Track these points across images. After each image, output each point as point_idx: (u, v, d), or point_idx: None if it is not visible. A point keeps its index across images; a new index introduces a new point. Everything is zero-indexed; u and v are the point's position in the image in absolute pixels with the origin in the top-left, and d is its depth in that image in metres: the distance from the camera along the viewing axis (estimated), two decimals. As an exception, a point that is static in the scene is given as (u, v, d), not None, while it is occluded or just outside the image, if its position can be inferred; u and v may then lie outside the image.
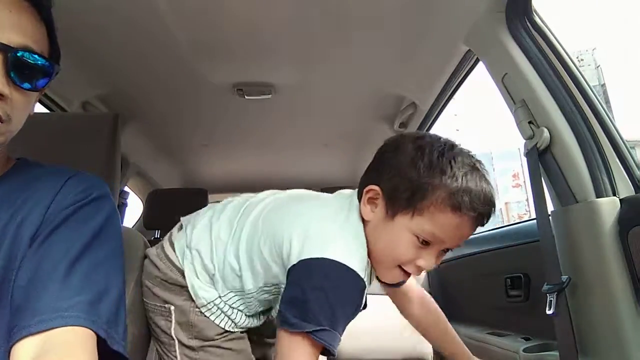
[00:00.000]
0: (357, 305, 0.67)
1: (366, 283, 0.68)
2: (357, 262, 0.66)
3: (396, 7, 1.04)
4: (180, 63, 1.26)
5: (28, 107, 0.54)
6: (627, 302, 0.73)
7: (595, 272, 0.78)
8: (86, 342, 0.48)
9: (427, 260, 0.68)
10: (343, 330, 0.65)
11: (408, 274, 0.71)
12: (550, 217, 0.86)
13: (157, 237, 2.15)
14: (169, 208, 1.87)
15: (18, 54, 0.48)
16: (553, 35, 0.91)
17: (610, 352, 0.75)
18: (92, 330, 0.48)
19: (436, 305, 0.97)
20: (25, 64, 0.50)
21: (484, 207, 0.66)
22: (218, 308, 0.79)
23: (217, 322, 0.79)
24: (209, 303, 0.78)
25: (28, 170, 0.60)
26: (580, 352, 0.78)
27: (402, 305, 0.97)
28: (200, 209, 0.94)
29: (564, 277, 0.81)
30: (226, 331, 0.81)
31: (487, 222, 0.70)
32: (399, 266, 0.70)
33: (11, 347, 0.46)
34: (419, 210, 0.66)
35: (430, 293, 1.73)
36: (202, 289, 0.78)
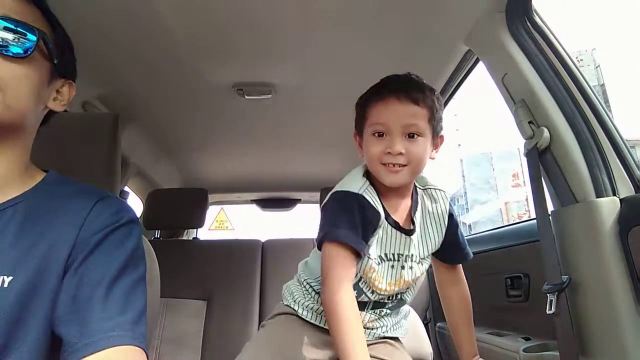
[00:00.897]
0: (356, 211, 0.83)
1: (369, 198, 0.85)
2: (353, 186, 0.86)
3: (396, 7, 1.04)
4: (180, 63, 1.26)
5: (24, 78, 0.54)
6: (627, 302, 0.74)
7: (595, 272, 0.78)
8: (138, 358, 0.50)
9: (392, 145, 0.83)
10: (356, 233, 0.81)
11: (391, 165, 0.84)
12: (550, 217, 0.86)
13: (157, 237, 2.15)
14: (169, 208, 1.87)
15: None
16: (553, 35, 0.91)
17: (610, 352, 0.75)
18: (140, 348, 0.51)
19: (469, 301, 0.97)
20: (5, 27, 0.51)
21: (390, 84, 0.87)
22: None
23: None
24: None
25: (56, 186, 0.61)
26: (580, 352, 0.78)
27: (445, 283, 1.00)
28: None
29: (564, 277, 0.81)
30: None
31: (403, 95, 0.84)
32: (382, 164, 0.85)
33: None
34: (366, 117, 0.88)
35: (430, 293, 1.72)
36: None
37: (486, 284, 1.30)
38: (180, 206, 1.86)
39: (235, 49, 1.21)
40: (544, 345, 0.98)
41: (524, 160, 0.93)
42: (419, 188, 0.95)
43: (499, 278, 1.21)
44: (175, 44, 1.15)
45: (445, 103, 1.49)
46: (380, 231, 0.86)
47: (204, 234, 2.51)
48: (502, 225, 1.41)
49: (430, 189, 0.95)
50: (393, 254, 0.89)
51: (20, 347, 0.49)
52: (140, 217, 2.00)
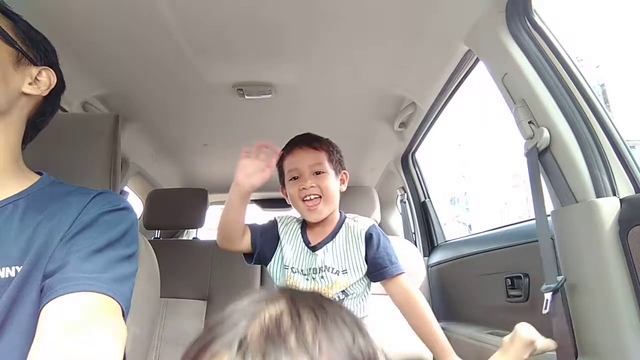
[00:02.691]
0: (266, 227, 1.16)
1: (286, 226, 1.17)
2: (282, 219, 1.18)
3: (396, 7, 1.04)
4: (180, 63, 1.26)
5: None
6: (626, 302, 0.73)
7: (595, 272, 0.78)
8: (113, 309, 0.51)
9: (304, 182, 1.08)
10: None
11: (308, 200, 1.09)
12: (549, 217, 0.86)
13: (157, 237, 2.15)
14: (169, 208, 1.87)
15: None
16: (553, 35, 0.91)
17: (609, 352, 0.75)
18: (117, 302, 0.52)
19: (421, 308, 1.02)
20: None
21: (294, 141, 1.14)
22: None
23: None
24: None
25: (54, 186, 0.64)
26: (579, 352, 0.78)
27: (392, 297, 1.09)
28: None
29: (559, 277, 0.81)
30: None
31: (304, 145, 1.11)
32: (302, 201, 1.09)
33: (40, 312, 0.49)
34: (284, 170, 1.14)
35: (430, 293, 1.72)
36: None
37: (486, 284, 1.30)
38: (180, 206, 1.85)
39: (235, 49, 1.21)
40: (544, 345, 0.98)
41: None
42: (348, 217, 1.16)
43: (499, 278, 1.21)
44: (176, 44, 1.15)
45: (446, 103, 1.49)
46: (289, 248, 1.11)
47: (204, 233, 2.50)
48: (502, 225, 1.41)
49: (356, 217, 1.17)
50: (304, 268, 1.10)
51: (15, 323, 0.51)
52: (140, 217, 2.00)
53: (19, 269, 0.52)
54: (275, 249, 1.14)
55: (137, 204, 2.30)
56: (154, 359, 1.53)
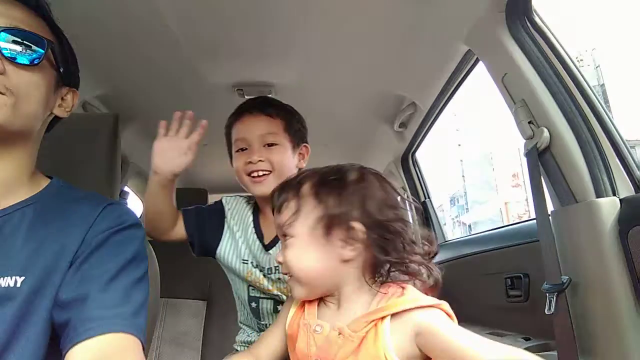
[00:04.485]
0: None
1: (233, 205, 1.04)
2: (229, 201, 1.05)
3: (396, 7, 1.04)
4: (180, 63, 1.26)
5: (33, 85, 0.57)
6: (627, 302, 0.73)
7: (595, 272, 0.78)
8: (135, 347, 0.52)
9: (251, 155, 0.93)
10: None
11: (255, 175, 0.93)
12: (550, 217, 0.86)
13: (157, 237, 2.15)
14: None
15: (6, 31, 0.54)
16: (553, 35, 0.91)
17: (610, 352, 0.75)
18: (137, 338, 0.52)
19: None
20: (14, 40, 0.54)
21: (245, 105, 0.98)
22: None
23: None
24: None
25: (62, 192, 0.64)
26: (580, 352, 0.78)
27: None
28: None
29: (564, 278, 0.81)
30: None
31: (256, 111, 0.96)
32: (248, 175, 0.94)
33: (65, 355, 0.50)
34: (231, 140, 0.99)
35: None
36: None
37: (486, 284, 1.30)
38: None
39: (235, 49, 1.21)
40: (544, 345, 0.98)
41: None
42: None
43: (499, 278, 1.21)
44: (176, 44, 1.15)
45: (446, 103, 1.49)
46: (241, 239, 0.97)
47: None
48: (502, 225, 1.41)
49: None
50: (263, 266, 0.95)
51: (23, 341, 0.51)
52: (140, 217, 1.99)
53: (19, 279, 0.52)
54: (221, 237, 0.98)
55: (137, 204, 2.30)
56: (154, 359, 1.53)
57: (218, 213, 1.01)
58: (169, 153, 0.89)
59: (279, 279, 0.93)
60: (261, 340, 0.73)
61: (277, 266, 0.91)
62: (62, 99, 0.65)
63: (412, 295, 0.61)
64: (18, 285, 0.52)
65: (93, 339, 0.49)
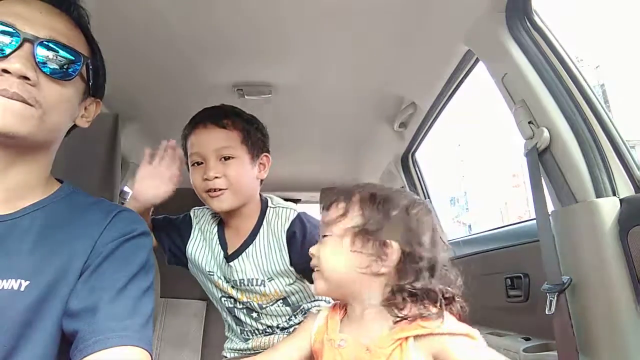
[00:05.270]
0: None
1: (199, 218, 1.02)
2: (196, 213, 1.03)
3: (396, 7, 1.04)
4: (180, 63, 1.26)
5: (64, 99, 0.57)
6: (627, 302, 0.73)
7: (595, 272, 0.78)
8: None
9: (207, 171, 0.89)
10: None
11: (212, 191, 0.90)
12: (550, 217, 0.86)
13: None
14: (169, 208, 1.87)
15: (44, 43, 0.53)
16: (553, 35, 0.91)
17: (610, 352, 0.75)
18: (146, 351, 0.52)
19: None
20: (50, 51, 0.54)
21: (195, 120, 0.94)
22: None
23: None
24: None
25: (72, 197, 0.63)
26: (580, 352, 0.78)
27: None
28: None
29: (565, 278, 0.81)
30: None
31: (210, 123, 0.91)
32: (206, 192, 0.91)
33: None
34: (187, 152, 0.95)
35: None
36: None
37: (486, 284, 1.30)
38: (180, 206, 1.85)
39: (235, 49, 1.21)
40: (544, 345, 0.98)
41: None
42: (270, 207, 0.96)
43: (499, 278, 1.21)
44: (176, 44, 1.15)
45: (446, 103, 1.49)
46: (206, 251, 0.95)
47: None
48: (502, 225, 1.41)
49: (278, 207, 0.96)
50: (228, 278, 0.94)
51: (30, 347, 0.51)
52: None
53: (24, 283, 0.51)
54: (190, 248, 0.97)
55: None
56: (154, 359, 1.53)
57: (185, 225, 1.01)
58: (149, 181, 0.89)
59: (246, 289, 0.94)
60: (277, 348, 0.75)
61: (242, 279, 0.92)
62: (85, 108, 0.65)
63: (439, 320, 0.64)
64: (22, 289, 0.51)
65: (103, 351, 0.49)
